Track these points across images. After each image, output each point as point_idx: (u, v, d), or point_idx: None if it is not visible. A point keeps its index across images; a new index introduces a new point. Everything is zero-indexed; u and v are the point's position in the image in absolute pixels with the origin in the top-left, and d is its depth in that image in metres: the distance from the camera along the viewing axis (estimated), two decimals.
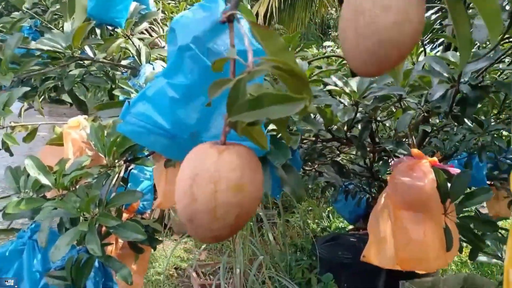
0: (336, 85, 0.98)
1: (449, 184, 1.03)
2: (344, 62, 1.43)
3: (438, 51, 1.80)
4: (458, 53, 0.99)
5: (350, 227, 3.18)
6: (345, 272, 2.29)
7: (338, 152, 1.67)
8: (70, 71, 1.20)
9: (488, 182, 1.79)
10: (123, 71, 1.39)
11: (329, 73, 1.14)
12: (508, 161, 1.67)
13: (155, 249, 1.19)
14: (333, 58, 1.66)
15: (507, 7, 0.82)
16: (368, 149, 1.29)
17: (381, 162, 1.50)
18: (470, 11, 1.03)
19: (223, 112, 0.67)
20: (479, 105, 1.39)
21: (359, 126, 1.25)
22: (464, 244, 1.14)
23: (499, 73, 1.33)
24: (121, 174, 0.99)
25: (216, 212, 0.36)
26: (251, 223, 2.51)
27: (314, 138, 1.20)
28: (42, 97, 1.25)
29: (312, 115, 1.04)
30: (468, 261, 2.89)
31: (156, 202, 1.38)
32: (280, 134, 0.81)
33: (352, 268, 2.27)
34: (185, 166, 0.39)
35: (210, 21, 0.61)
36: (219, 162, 0.37)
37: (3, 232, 1.03)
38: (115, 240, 1.19)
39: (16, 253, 1.02)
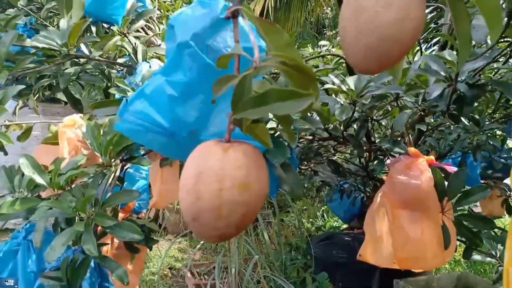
0: (333, 83, 0.98)
1: (446, 183, 1.04)
2: (341, 61, 1.43)
3: (433, 50, 1.81)
4: (455, 52, 1.00)
5: (345, 226, 3.18)
6: (340, 271, 2.29)
7: (333, 151, 1.67)
8: (66, 69, 1.18)
9: (482, 181, 1.80)
10: (119, 69, 1.38)
11: (326, 71, 1.14)
12: (502, 160, 1.68)
13: (151, 249, 1.18)
14: (330, 57, 1.66)
15: (504, 5, 0.82)
16: (364, 148, 1.29)
17: (376, 161, 1.51)
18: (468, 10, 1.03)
19: (222, 110, 0.67)
20: (474, 104, 1.40)
21: (355, 126, 1.26)
22: (457, 243, 1.14)
23: (493, 72, 1.34)
24: (117, 173, 0.98)
25: (221, 211, 0.36)
26: None
27: (310, 137, 1.20)
28: (37, 95, 1.24)
29: (308, 113, 1.04)
30: (462, 259, 2.91)
31: (151, 202, 1.37)
32: (278, 133, 0.81)
33: (347, 267, 2.28)
34: (188, 164, 0.38)
35: (210, 18, 0.61)
36: (224, 160, 0.36)
37: None
38: (111, 240, 1.18)
39: (11, 253, 1.00)
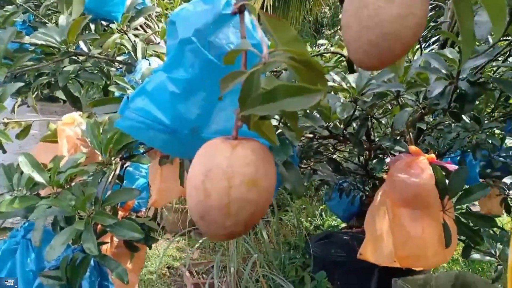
0: (334, 81, 0.97)
1: (447, 181, 1.03)
2: (341, 59, 1.43)
3: (431, 49, 1.81)
4: (455, 50, 1.00)
5: (343, 225, 3.18)
6: (338, 270, 2.29)
7: (333, 150, 1.67)
8: (64, 67, 1.17)
9: (481, 180, 1.80)
10: (118, 67, 1.37)
11: (327, 69, 1.13)
12: (501, 159, 1.69)
13: (150, 247, 1.17)
14: (329, 56, 1.65)
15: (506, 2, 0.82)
16: (364, 146, 1.29)
17: (376, 160, 1.50)
18: None
19: (224, 107, 0.67)
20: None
21: (354, 124, 1.25)
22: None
23: (493, 71, 1.34)
24: (117, 171, 0.97)
25: (230, 209, 0.35)
26: None
27: (311, 136, 1.19)
28: (35, 93, 1.23)
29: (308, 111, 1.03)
30: (460, 258, 2.92)
31: (150, 200, 1.36)
32: (280, 130, 0.81)
33: (345, 266, 2.28)
34: (196, 162, 0.38)
35: (212, 14, 0.60)
36: (233, 158, 0.36)
37: None
38: (110, 239, 1.17)
39: (9, 252, 1.00)
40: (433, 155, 1.06)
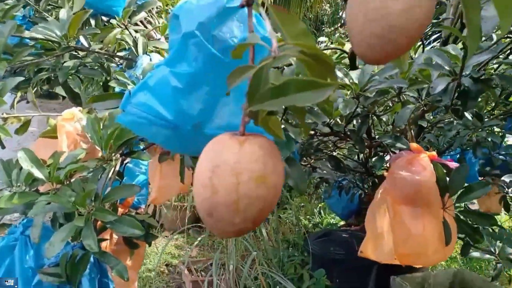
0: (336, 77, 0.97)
1: (447, 179, 1.03)
2: (342, 55, 1.43)
3: (432, 47, 1.81)
4: (458, 46, 0.99)
5: (341, 223, 3.19)
6: (337, 268, 2.30)
7: (333, 147, 1.67)
8: (65, 62, 1.16)
9: (480, 178, 1.80)
10: (119, 63, 1.36)
11: None
12: (501, 157, 1.69)
13: (150, 244, 1.17)
14: (330, 53, 1.65)
15: None
16: (365, 144, 1.28)
17: (376, 157, 1.50)
18: None
19: (227, 102, 0.66)
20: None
21: (354, 121, 1.25)
22: None
23: (494, 69, 1.34)
24: (117, 168, 0.96)
25: (238, 205, 0.34)
26: None
27: (311, 132, 1.19)
28: (35, 89, 1.21)
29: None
30: (458, 256, 2.93)
31: (150, 197, 1.36)
32: (283, 126, 0.80)
33: (344, 264, 2.28)
34: (203, 158, 0.37)
35: (216, 7, 0.59)
36: (241, 153, 0.35)
37: None
38: (110, 236, 1.16)
39: (8, 249, 0.99)
40: (434, 153, 1.05)
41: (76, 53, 1.21)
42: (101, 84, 1.40)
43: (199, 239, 2.65)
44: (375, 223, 1.13)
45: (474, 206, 2.40)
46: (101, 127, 0.92)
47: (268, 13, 0.41)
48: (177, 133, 0.66)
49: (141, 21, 1.53)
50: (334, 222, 3.40)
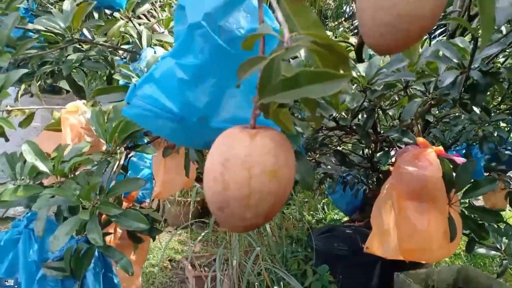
0: None
1: (454, 174, 1.02)
2: (348, 48, 1.41)
3: (437, 40, 1.79)
4: (466, 39, 0.98)
5: (345, 219, 3.18)
6: (341, 263, 2.29)
7: (338, 142, 1.65)
8: (68, 55, 1.16)
9: (486, 174, 1.79)
10: (122, 56, 1.35)
11: None
12: (508, 152, 1.67)
13: (154, 239, 1.16)
14: None
15: None
16: (371, 138, 1.27)
17: (381, 152, 1.49)
18: None
19: (233, 95, 0.65)
20: None
21: (360, 116, 1.23)
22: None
23: (501, 61, 1.32)
24: (122, 161, 0.95)
25: (250, 200, 0.34)
26: None
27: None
28: (39, 83, 1.21)
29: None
30: (461, 253, 2.92)
31: (154, 192, 1.35)
32: None
33: (348, 260, 2.28)
34: (213, 151, 0.36)
35: None
36: (252, 147, 0.34)
37: None
38: (114, 230, 1.16)
39: (11, 242, 0.98)
40: (441, 148, 1.04)
41: (80, 46, 1.20)
42: (105, 78, 1.39)
43: (202, 234, 2.65)
44: (381, 218, 1.12)
45: (479, 202, 2.39)
46: (106, 120, 0.91)
47: (279, 3, 0.39)
48: (183, 126, 0.65)
49: (144, 15, 1.52)
50: (337, 218, 3.40)
